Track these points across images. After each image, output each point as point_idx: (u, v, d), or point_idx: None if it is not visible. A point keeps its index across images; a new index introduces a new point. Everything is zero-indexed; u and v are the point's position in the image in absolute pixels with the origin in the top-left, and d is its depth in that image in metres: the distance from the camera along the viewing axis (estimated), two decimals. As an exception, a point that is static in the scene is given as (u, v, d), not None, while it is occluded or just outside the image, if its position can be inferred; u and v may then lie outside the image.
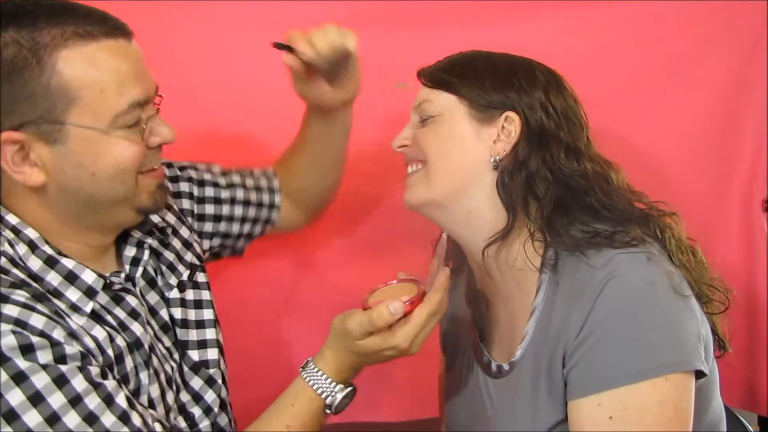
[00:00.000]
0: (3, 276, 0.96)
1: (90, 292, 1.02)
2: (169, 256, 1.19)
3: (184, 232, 1.25)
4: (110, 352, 1.01)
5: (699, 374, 1.00)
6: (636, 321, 0.98)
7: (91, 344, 0.99)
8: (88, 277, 1.02)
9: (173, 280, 1.18)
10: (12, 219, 1.01)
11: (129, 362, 1.04)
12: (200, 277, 1.23)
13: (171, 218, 1.22)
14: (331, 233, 1.62)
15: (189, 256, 1.23)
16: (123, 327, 1.05)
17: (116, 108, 0.97)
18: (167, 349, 1.14)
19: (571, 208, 1.07)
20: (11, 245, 1.00)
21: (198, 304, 1.21)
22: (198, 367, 1.17)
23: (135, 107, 0.99)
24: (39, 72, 0.94)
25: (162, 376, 1.10)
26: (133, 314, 1.07)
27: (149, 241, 1.14)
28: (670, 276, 1.00)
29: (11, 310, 0.91)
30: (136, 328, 1.06)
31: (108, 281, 1.05)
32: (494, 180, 1.10)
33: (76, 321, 0.99)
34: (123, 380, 1.02)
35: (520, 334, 1.10)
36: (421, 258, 1.60)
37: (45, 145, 0.97)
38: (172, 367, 1.13)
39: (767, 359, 1.56)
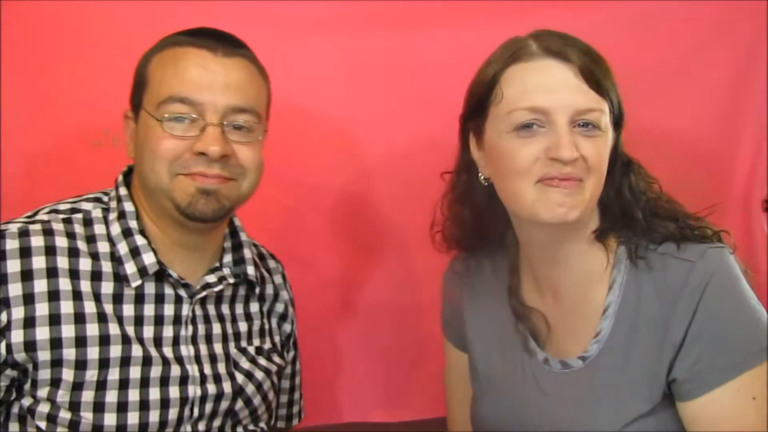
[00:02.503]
0: (70, 213, 1.16)
1: (143, 272, 1.14)
2: (246, 308, 1.29)
3: (279, 307, 1.36)
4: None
5: None
6: (745, 309, 1.04)
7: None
8: (148, 258, 1.14)
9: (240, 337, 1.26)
10: (123, 191, 1.20)
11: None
12: (261, 360, 1.27)
13: (269, 289, 1.35)
14: (331, 233, 1.63)
15: (257, 327, 1.30)
16: (138, 321, 1.14)
17: (161, 96, 1.13)
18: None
19: (652, 210, 1.13)
20: (106, 210, 1.18)
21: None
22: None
23: (177, 101, 1.11)
24: (146, 61, 1.18)
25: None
26: (139, 320, 1.14)
27: (229, 279, 1.24)
28: (739, 265, 1.08)
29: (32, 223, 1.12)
30: (131, 329, 1.13)
31: (166, 272, 1.16)
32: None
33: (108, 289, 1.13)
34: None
35: (592, 329, 1.12)
36: (421, 258, 1.61)
37: (134, 124, 1.18)
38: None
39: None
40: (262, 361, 1.27)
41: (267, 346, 1.30)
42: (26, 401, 1.08)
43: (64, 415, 1.07)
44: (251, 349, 1.26)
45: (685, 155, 1.59)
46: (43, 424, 1.08)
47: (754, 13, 1.56)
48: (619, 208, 1.12)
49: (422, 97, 1.59)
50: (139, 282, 1.13)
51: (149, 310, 1.15)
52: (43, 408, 1.08)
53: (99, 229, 1.16)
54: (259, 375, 1.25)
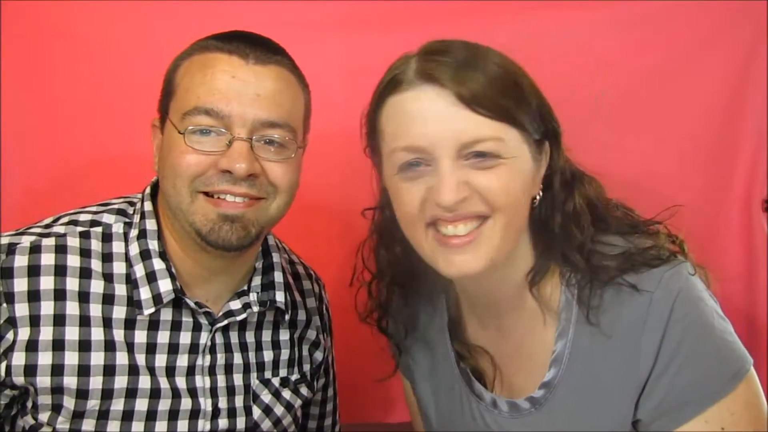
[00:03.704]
0: (89, 225, 1.07)
1: (157, 299, 1.05)
2: (275, 335, 1.19)
3: (311, 334, 1.25)
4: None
5: None
6: (711, 334, 0.97)
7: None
8: (164, 285, 1.05)
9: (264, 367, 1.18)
10: (147, 206, 1.11)
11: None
12: (285, 393, 1.19)
13: (301, 315, 1.23)
14: (331, 233, 1.62)
15: (287, 355, 1.21)
16: (150, 349, 1.07)
17: (186, 107, 1.02)
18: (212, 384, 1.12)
19: (599, 230, 1.02)
20: (129, 224, 1.09)
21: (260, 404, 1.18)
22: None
23: (202, 113, 1.00)
24: (175, 66, 1.08)
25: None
26: (151, 348, 1.07)
27: (254, 307, 1.14)
28: (700, 279, 1.01)
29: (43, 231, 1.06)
30: (135, 358, 1.07)
31: (183, 299, 1.06)
32: (528, 220, 0.98)
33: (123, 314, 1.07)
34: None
35: (541, 371, 1.04)
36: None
37: (160, 133, 1.09)
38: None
39: (767, 358, 1.55)
40: (286, 394, 1.18)
41: (295, 377, 1.20)
42: (29, 420, 1.04)
43: None
44: (276, 381, 1.17)
45: (685, 155, 1.59)
46: None
47: (754, 13, 1.56)
48: (559, 238, 0.99)
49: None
50: (153, 309, 1.06)
51: (163, 337, 1.07)
52: (46, 430, 1.03)
53: (117, 246, 1.08)
54: (279, 410, 1.17)
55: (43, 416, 1.03)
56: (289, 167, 1.06)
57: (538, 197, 0.98)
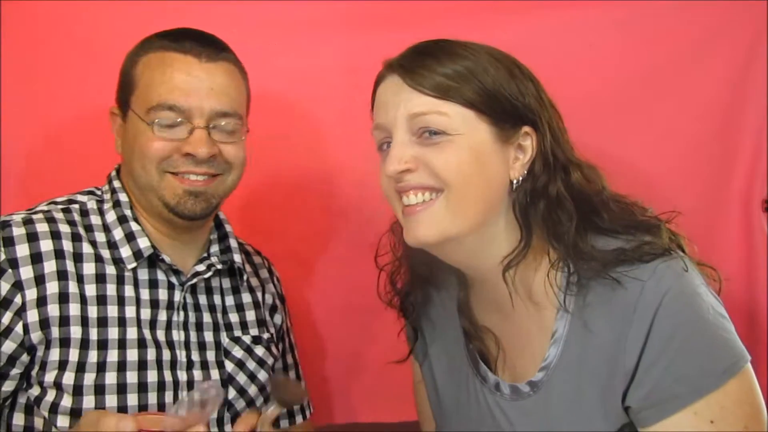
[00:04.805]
0: (68, 203, 1.21)
1: (138, 255, 1.19)
2: (237, 298, 1.32)
3: (268, 299, 1.39)
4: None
5: None
6: (704, 328, 0.97)
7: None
8: (143, 243, 1.20)
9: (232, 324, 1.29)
10: (117, 183, 1.26)
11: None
12: (258, 350, 1.30)
13: (255, 281, 1.37)
14: (330, 233, 1.63)
15: (253, 317, 1.33)
16: (137, 303, 1.18)
17: (150, 102, 1.17)
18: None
19: (591, 225, 1.03)
20: (101, 201, 1.24)
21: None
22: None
23: (166, 108, 1.16)
24: (132, 62, 1.22)
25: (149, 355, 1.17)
26: (137, 302, 1.18)
27: (217, 265, 1.28)
28: (701, 277, 1.01)
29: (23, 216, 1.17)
30: (114, 310, 1.16)
31: (159, 256, 1.20)
32: (510, 203, 1.03)
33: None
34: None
35: (539, 355, 1.06)
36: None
37: (121, 120, 1.23)
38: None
39: (767, 358, 1.56)
40: (258, 350, 1.30)
41: (266, 335, 1.33)
42: (34, 391, 1.12)
43: (66, 403, 1.10)
44: (247, 339, 1.29)
45: (685, 155, 1.59)
46: (46, 414, 1.11)
47: (754, 13, 1.56)
48: (543, 223, 1.02)
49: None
50: (134, 264, 1.18)
51: (145, 294, 1.20)
52: (49, 396, 1.11)
53: (95, 219, 1.22)
54: (252, 365, 1.27)
55: (50, 376, 1.11)
56: (240, 147, 1.23)
57: (516, 181, 1.02)
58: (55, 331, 1.11)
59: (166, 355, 1.18)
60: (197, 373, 1.21)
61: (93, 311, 1.14)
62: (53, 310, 1.11)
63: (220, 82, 1.19)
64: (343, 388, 1.66)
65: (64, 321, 1.12)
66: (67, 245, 1.16)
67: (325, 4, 1.56)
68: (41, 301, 1.11)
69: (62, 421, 1.10)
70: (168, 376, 1.17)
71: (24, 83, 1.48)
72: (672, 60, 1.58)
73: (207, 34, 1.23)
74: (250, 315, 1.33)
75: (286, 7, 1.56)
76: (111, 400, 1.12)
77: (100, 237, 1.20)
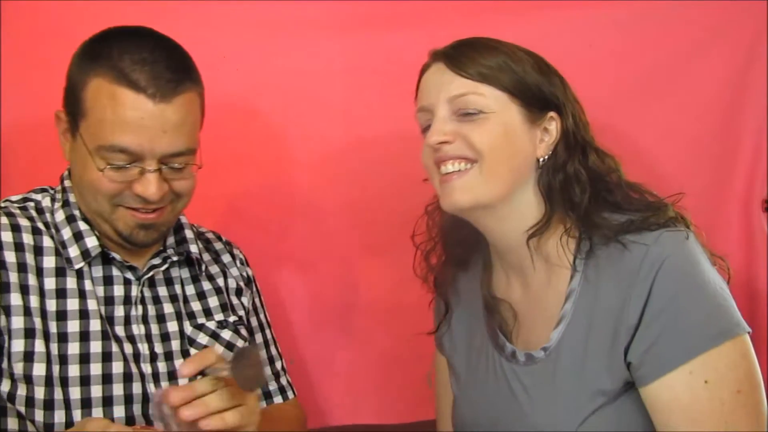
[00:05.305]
0: (23, 202, 1.22)
1: (86, 254, 1.19)
2: (198, 287, 1.31)
3: (231, 283, 1.37)
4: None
5: None
6: (703, 291, 1.04)
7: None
8: (91, 242, 1.19)
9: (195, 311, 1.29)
10: (67, 183, 1.25)
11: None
12: (225, 334, 1.29)
13: (215, 269, 1.36)
14: (330, 233, 1.63)
15: (215, 302, 1.32)
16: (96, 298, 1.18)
17: (101, 140, 1.13)
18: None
19: (605, 202, 1.14)
20: (52, 200, 1.24)
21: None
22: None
23: (117, 151, 1.13)
24: (82, 78, 1.16)
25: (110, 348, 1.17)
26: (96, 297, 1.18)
27: (173, 257, 1.28)
28: (704, 253, 1.09)
29: None
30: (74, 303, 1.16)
31: (109, 255, 1.20)
32: (536, 178, 1.15)
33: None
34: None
35: (554, 319, 1.14)
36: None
37: (69, 131, 1.19)
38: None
39: (767, 358, 1.55)
40: (225, 334, 1.29)
41: (233, 318, 1.32)
42: (3, 388, 1.11)
43: (39, 395, 1.10)
44: (211, 324, 1.29)
45: (686, 155, 1.59)
46: (23, 409, 1.11)
47: (754, 13, 1.56)
48: (561, 196, 1.14)
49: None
50: (81, 264, 1.18)
51: (100, 291, 1.20)
52: (21, 390, 1.11)
53: (50, 217, 1.22)
54: (219, 350, 1.26)
55: (18, 368, 1.11)
56: (190, 179, 1.21)
57: (542, 159, 1.14)
58: (18, 321, 1.11)
59: (128, 348, 1.18)
60: (161, 365, 1.21)
61: (52, 304, 1.15)
62: (15, 299, 1.12)
63: (174, 122, 1.14)
64: (343, 390, 1.66)
65: (27, 311, 1.12)
66: (27, 238, 1.17)
67: (325, 4, 1.56)
68: (4, 287, 1.12)
69: (39, 416, 1.10)
70: (134, 368, 1.17)
71: (24, 83, 1.47)
72: (672, 60, 1.58)
73: (161, 55, 1.15)
74: (213, 301, 1.32)
75: (286, 7, 1.56)
76: (74, 392, 1.13)
77: (57, 234, 1.21)
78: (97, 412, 1.13)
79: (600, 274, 1.10)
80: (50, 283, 1.16)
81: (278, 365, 1.42)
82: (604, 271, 1.10)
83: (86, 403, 1.13)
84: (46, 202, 1.24)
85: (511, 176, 1.12)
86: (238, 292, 1.37)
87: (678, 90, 1.59)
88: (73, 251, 1.19)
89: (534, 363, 1.15)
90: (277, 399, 1.39)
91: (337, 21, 1.58)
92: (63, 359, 1.13)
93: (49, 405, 1.11)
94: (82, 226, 1.20)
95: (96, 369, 1.15)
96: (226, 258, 1.41)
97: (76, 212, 1.21)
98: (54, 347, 1.13)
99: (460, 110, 1.12)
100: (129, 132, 1.12)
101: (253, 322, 1.40)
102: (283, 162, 1.59)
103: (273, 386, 1.39)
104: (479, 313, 1.27)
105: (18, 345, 1.11)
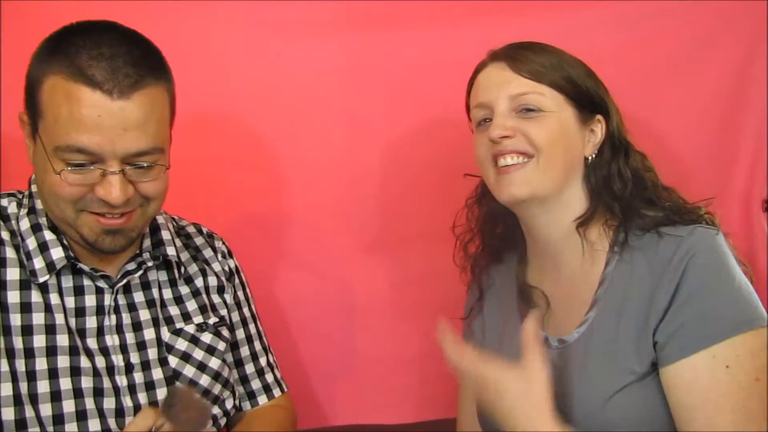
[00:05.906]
0: None
1: (51, 267, 1.13)
2: (175, 291, 1.27)
3: (212, 281, 1.32)
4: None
5: None
6: (730, 283, 1.10)
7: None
8: (56, 254, 1.13)
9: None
10: (34, 188, 1.17)
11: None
12: (205, 337, 1.26)
13: (193, 268, 1.31)
14: (330, 232, 1.63)
15: (193, 304, 1.27)
16: (65, 311, 1.13)
17: (57, 141, 1.06)
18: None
19: (642, 198, 1.21)
20: (19, 206, 1.18)
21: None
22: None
23: (74, 151, 1.05)
24: (39, 77, 1.09)
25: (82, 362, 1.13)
26: (64, 311, 1.13)
27: (148, 263, 1.23)
28: (733, 252, 1.14)
29: None
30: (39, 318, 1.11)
31: (76, 266, 1.15)
32: (584, 175, 1.23)
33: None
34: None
35: (586, 305, 1.19)
36: (420, 258, 1.61)
37: (29, 127, 1.13)
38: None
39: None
40: (205, 338, 1.24)
41: (213, 320, 1.28)
42: None
43: (8, 416, 1.06)
44: (190, 328, 1.24)
45: (686, 155, 1.59)
46: None
47: (754, 13, 1.56)
48: (605, 190, 1.21)
49: (422, 97, 1.59)
50: (47, 276, 1.12)
51: (70, 302, 1.14)
52: None
53: (15, 225, 1.16)
54: (200, 355, 1.22)
55: None
56: (159, 182, 1.13)
57: (590, 157, 1.22)
58: None
59: (101, 362, 1.14)
60: (138, 376, 1.16)
61: (16, 319, 1.09)
62: None
63: (135, 119, 1.05)
64: (343, 390, 1.65)
65: None
66: None
67: (325, 4, 1.56)
68: None
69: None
70: (107, 383, 1.13)
71: (24, 83, 1.47)
72: (672, 59, 1.58)
73: (121, 50, 1.07)
74: (191, 305, 1.27)
75: (286, 7, 1.56)
76: (45, 408, 1.08)
77: (22, 244, 1.14)
78: (71, 427, 1.09)
79: (635, 261, 1.16)
80: (14, 296, 1.10)
81: (263, 361, 1.38)
82: (639, 258, 1.16)
83: (59, 420, 1.08)
84: (12, 208, 1.17)
85: (564, 172, 1.20)
86: (220, 290, 1.33)
87: (678, 89, 1.59)
88: (38, 263, 1.12)
89: (566, 346, 1.19)
90: (262, 399, 1.36)
91: (337, 21, 1.58)
92: (31, 375, 1.08)
93: (21, 425, 1.06)
94: (48, 235, 1.14)
95: (66, 384, 1.10)
96: (207, 253, 1.35)
97: (42, 220, 1.15)
98: (20, 363, 1.08)
99: (521, 107, 1.19)
100: (86, 131, 1.04)
101: (235, 317, 1.35)
102: (283, 162, 1.59)
103: (257, 385, 1.36)
104: (512, 302, 1.32)
105: None
